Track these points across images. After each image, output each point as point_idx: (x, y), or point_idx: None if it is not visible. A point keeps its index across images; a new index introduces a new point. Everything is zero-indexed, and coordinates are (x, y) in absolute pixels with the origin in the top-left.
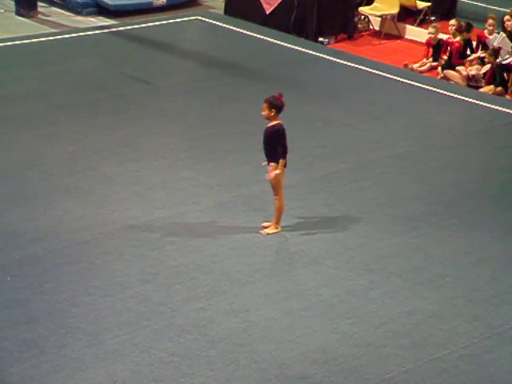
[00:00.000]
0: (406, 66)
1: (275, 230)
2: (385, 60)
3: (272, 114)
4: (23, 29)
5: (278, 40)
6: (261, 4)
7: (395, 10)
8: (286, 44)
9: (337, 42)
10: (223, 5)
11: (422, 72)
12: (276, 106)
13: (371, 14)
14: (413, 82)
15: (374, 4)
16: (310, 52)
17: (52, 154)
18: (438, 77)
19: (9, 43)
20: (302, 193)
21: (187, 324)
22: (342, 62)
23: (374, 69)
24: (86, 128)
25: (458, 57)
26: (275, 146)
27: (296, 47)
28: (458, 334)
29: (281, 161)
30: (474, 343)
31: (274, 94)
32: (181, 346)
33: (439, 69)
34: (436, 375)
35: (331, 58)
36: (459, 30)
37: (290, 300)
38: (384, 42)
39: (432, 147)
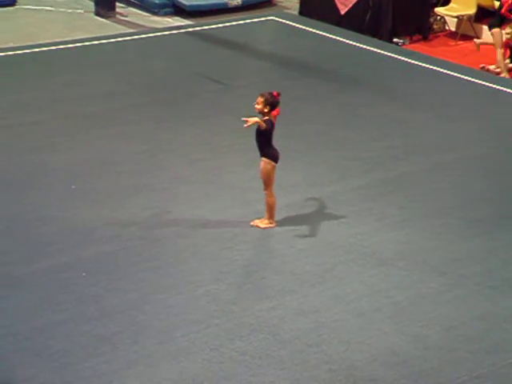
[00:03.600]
0: (482, 67)
1: (270, 225)
2: (460, 61)
3: (266, 110)
4: (101, 29)
5: (352, 41)
6: (336, 4)
7: (472, 11)
8: (360, 45)
9: (412, 42)
10: (298, 5)
11: (498, 74)
12: (271, 103)
13: (447, 15)
14: (489, 84)
15: (451, 4)
16: (385, 53)
17: (126, 152)
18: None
19: (87, 43)
20: (373, 194)
21: (258, 323)
22: (416, 63)
23: (449, 70)
24: (160, 127)
25: None
26: (266, 140)
27: (370, 48)
28: None
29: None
30: None
31: (271, 92)
32: (251, 345)
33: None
34: (509, 381)
35: (406, 59)
36: None
37: (360, 301)
38: (460, 43)
39: (507, 150)
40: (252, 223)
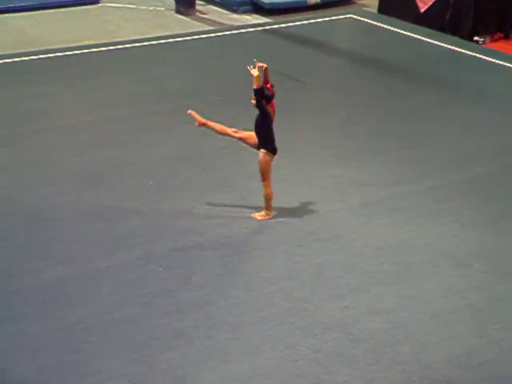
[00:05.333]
0: None
1: (267, 217)
2: None
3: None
4: (181, 26)
5: (432, 39)
6: (415, 2)
7: None
8: (439, 43)
9: (493, 41)
10: (377, 3)
11: None
12: (266, 96)
13: None
14: None
15: None
16: (465, 51)
17: (204, 148)
18: None
19: (166, 40)
20: (449, 194)
21: (331, 322)
22: (497, 61)
23: None
24: (236, 124)
25: None
26: (267, 132)
27: (450, 46)
28: None
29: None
30: None
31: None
32: (325, 343)
33: None
34: None
35: (487, 58)
36: None
37: (436, 302)
38: None
39: None
40: (252, 215)
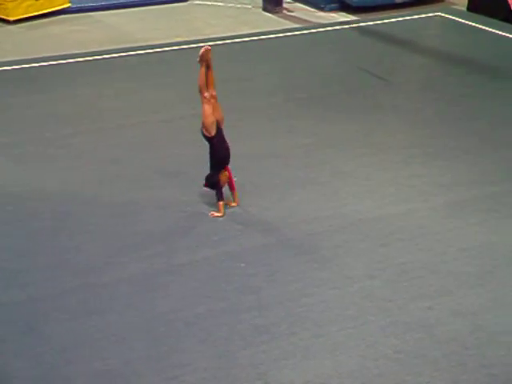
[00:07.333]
0: None
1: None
2: None
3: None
4: (268, 24)
5: None
6: (506, 0)
7: None
8: None
9: None
10: (466, 1)
11: None
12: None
13: None
14: None
15: None
16: None
17: (288, 146)
18: None
19: (252, 38)
20: None
21: (413, 322)
22: None
23: None
24: (322, 122)
25: None
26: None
27: None
28: None
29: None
30: None
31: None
32: (406, 343)
33: None
34: None
35: None
36: None
37: None
38: None
39: None
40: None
